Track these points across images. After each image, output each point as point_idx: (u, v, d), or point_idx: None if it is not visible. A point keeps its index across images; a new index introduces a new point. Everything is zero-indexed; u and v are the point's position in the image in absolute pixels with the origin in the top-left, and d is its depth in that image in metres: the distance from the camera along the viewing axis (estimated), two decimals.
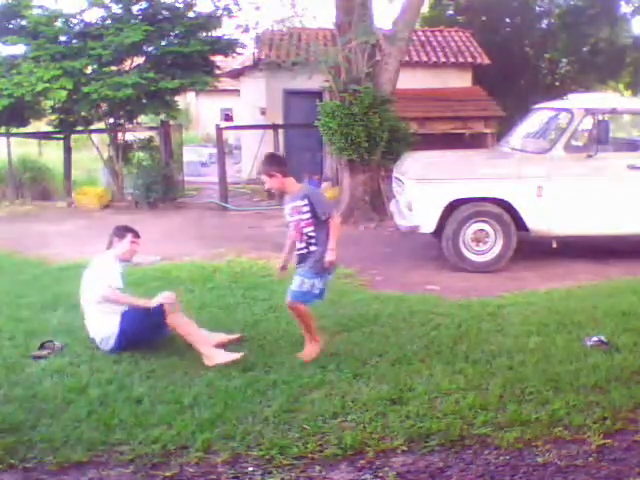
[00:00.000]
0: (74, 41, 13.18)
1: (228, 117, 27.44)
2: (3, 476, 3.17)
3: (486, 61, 15.43)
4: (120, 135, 14.07)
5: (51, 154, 16.39)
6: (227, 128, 17.41)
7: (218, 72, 14.49)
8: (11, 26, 13.21)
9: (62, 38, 13.19)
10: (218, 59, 14.39)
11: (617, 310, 5.61)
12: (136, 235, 5.21)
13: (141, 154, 14.12)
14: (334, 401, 3.87)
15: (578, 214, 7.60)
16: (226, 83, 19.30)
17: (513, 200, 7.50)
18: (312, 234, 4.56)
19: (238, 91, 19.73)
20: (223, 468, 3.24)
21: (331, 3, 11.54)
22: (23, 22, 13.11)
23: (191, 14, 13.69)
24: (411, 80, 13.01)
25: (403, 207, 8.13)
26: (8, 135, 13.94)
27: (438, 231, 7.64)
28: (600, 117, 7.62)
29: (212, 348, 4.62)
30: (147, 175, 13.01)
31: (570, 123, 7.81)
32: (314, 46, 11.62)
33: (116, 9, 13.33)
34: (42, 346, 4.77)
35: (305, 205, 4.53)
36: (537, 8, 21.14)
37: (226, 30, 14.18)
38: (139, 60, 13.66)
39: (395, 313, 5.62)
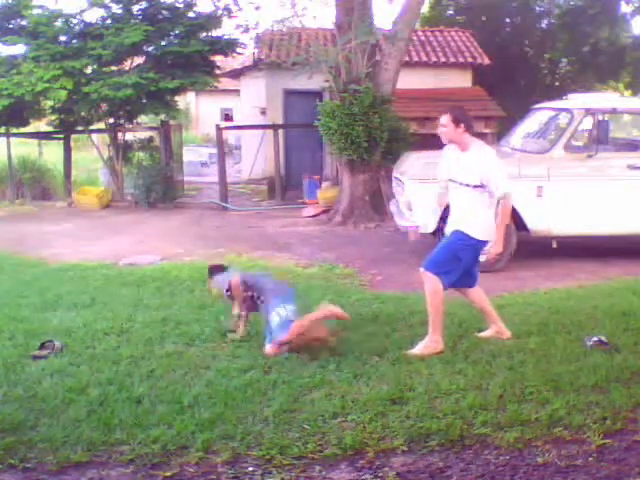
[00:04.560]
0: (74, 41, 13.21)
1: (228, 117, 27.46)
2: (3, 476, 3.17)
3: (486, 61, 15.43)
4: (120, 135, 14.08)
5: (51, 154, 16.39)
6: (227, 128, 17.42)
7: (218, 72, 14.51)
8: (11, 26, 13.23)
9: (62, 38, 13.22)
10: (218, 59, 14.40)
11: (617, 310, 5.61)
12: None
13: (141, 154, 14.14)
14: (334, 401, 3.87)
15: (578, 214, 7.60)
16: (226, 83, 19.30)
17: (513, 200, 7.46)
18: None
19: (238, 91, 19.74)
20: (223, 468, 3.24)
21: (331, 3, 11.55)
22: (23, 22, 13.14)
23: (191, 14, 13.71)
24: (411, 80, 13.00)
25: (403, 207, 8.13)
26: (8, 135, 13.94)
27: (438, 231, 7.64)
28: (600, 117, 7.62)
29: None
30: (147, 175, 13.02)
31: (570, 123, 7.82)
32: (314, 46, 11.61)
33: (116, 9, 13.35)
34: (42, 346, 4.76)
35: None
36: (537, 8, 21.14)
37: (226, 30, 14.24)
38: (139, 60, 13.68)
39: (395, 313, 5.61)
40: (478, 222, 4.79)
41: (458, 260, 4.79)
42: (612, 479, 3.14)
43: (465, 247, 4.80)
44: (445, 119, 4.75)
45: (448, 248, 4.86)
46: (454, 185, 4.91)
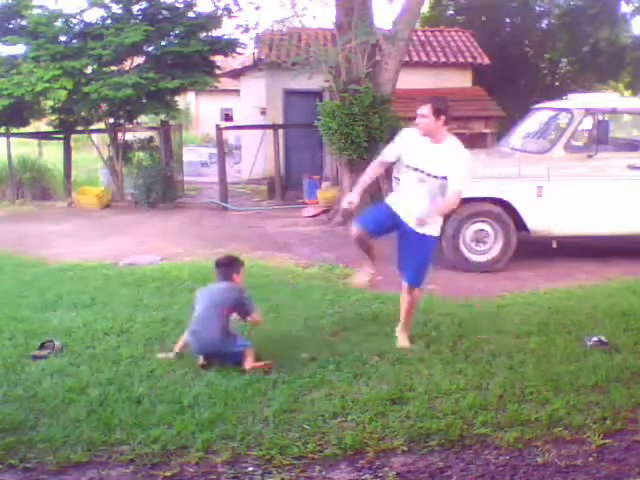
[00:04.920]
0: (74, 41, 13.20)
1: (228, 117, 27.46)
2: (3, 476, 3.17)
3: (486, 61, 15.42)
4: (120, 135, 14.08)
5: (51, 154, 16.40)
6: (227, 128, 17.42)
7: (218, 72, 14.50)
8: (11, 26, 13.22)
9: (62, 38, 13.21)
10: (218, 59, 14.40)
11: (617, 310, 5.61)
12: None
13: (141, 154, 14.13)
14: (334, 401, 3.87)
15: (578, 214, 7.60)
16: (226, 83, 19.29)
17: (513, 200, 7.50)
18: None
19: (238, 91, 19.74)
20: (223, 468, 3.24)
21: (331, 3, 11.55)
22: (23, 22, 13.13)
23: (191, 14, 13.70)
24: (411, 80, 12.99)
25: None
26: (8, 135, 13.94)
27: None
28: (600, 117, 7.63)
29: None
30: (147, 175, 13.01)
31: (570, 123, 7.82)
32: (314, 46, 11.61)
33: (116, 9, 13.34)
34: (42, 346, 4.76)
35: None
36: (537, 8, 21.14)
37: (226, 30, 14.21)
38: (139, 60, 13.68)
39: (395, 313, 5.59)
40: (436, 220, 4.84)
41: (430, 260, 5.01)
42: (612, 479, 3.14)
43: (433, 248, 4.98)
44: (426, 109, 4.58)
45: (427, 259, 4.99)
46: (419, 175, 4.77)
